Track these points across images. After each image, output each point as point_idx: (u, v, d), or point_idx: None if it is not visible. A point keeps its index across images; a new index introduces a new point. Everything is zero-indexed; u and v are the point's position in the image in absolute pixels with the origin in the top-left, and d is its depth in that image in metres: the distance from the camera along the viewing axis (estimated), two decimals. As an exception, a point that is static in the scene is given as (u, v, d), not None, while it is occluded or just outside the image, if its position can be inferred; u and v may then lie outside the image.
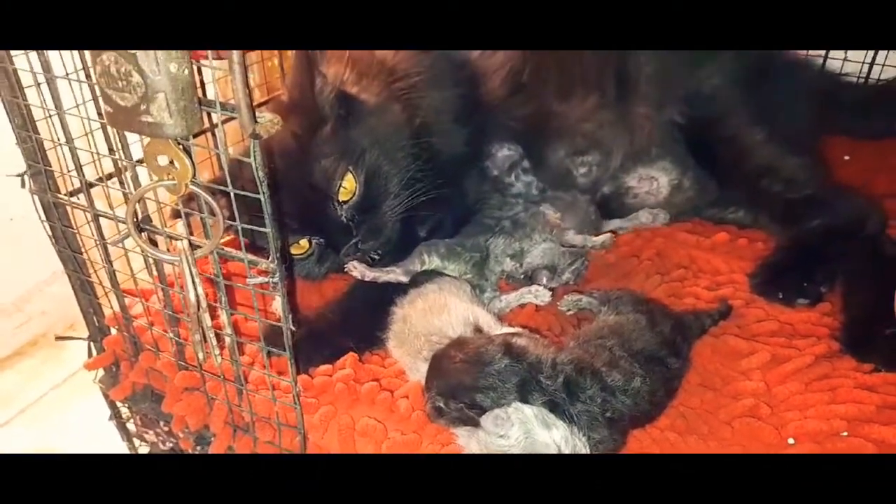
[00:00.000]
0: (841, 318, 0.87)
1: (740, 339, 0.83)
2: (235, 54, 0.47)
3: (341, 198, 0.85)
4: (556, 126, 1.04)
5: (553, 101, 1.04)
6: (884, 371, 0.78)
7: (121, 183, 0.79)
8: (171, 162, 0.55)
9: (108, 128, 0.68)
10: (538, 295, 0.89)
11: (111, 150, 0.73)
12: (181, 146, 0.54)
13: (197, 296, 0.58)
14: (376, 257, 0.89)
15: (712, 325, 0.86)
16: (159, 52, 0.48)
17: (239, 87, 0.49)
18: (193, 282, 0.58)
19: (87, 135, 0.73)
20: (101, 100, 0.53)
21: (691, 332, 0.82)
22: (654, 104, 1.05)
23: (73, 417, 1.15)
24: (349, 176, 0.84)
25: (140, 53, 0.48)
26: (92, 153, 0.70)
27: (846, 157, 1.23)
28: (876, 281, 0.87)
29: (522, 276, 0.93)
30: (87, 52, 0.53)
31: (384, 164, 0.88)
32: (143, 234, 0.64)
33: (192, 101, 0.51)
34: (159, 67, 0.49)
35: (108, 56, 0.50)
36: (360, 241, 0.87)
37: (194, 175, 0.55)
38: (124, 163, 0.67)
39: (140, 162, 0.65)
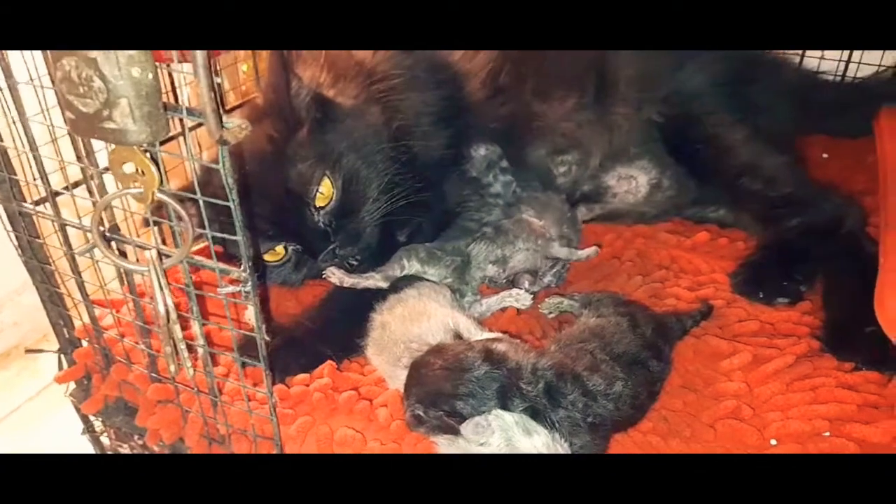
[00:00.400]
0: (821, 316, 0.87)
1: (722, 339, 0.83)
2: (199, 56, 0.46)
3: (318, 203, 0.83)
4: (536, 126, 1.03)
5: (533, 102, 1.03)
6: (864, 369, 0.78)
7: (88, 191, 0.77)
8: (138, 170, 0.53)
9: (75, 135, 0.66)
10: (519, 298, 0.89)
11: (78, 158, 0.71)
12: (147, 153, 0.53)
13: (166, 306, 0.57)
14: (355, 263, 0.87)
15: (694, 325, 0.85)
16: (121, 56, 0.46)
17: (204, 90, 0.47)
18: (162, 292, 0.56)
19: (52, 141, 0.71)
20: (62, 106, 0.51)
21: (673, 333, 0.82)
22: (634, 104, 1.04)
23: (48, 430, 1.12)
24: (326, 181, 0.83)
25: (101, 57, 0.47)
26: (58, 161, 0.68)
27: (825, 156, 1.24)
28: (856, 279, 0.87)
29: (504, 281, 0.92)
30: (48, 57, 0.51)
31: (362, 168, 0.87)
32: (111, 243, 0.62)
33: (156, 106, 0.49)
34: (121, 72, 0.47)
35: (68, 61, 0.48)
36: (337, 247, 0.85)
37: (161, 182, 0.53)
38: (91, 170, 0.65)
39: (107, 169, 0.64)
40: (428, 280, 0.87)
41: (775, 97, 1.13)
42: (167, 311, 0.57)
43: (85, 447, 0.94)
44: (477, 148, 0.97)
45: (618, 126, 1.04)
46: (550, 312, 0.89)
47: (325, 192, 0.83)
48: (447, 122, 0.98)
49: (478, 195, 0.99)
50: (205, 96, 0.48)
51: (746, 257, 0.98)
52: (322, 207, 0.84)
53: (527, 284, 0.90)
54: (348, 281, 0.86)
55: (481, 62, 1.04)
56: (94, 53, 0.47)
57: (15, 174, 0.70)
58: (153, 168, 0.53)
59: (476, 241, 0.92)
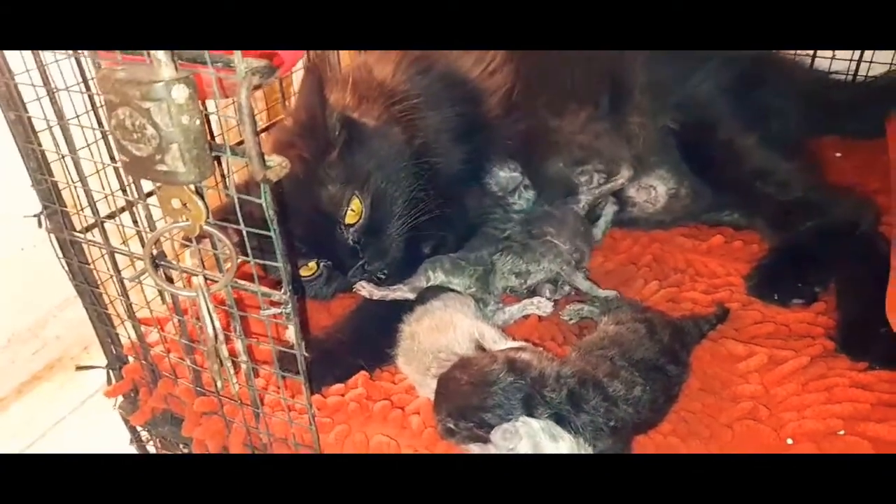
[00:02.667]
0: (835, 317, 0.89)
1: (738, 342, 0.86)
2: (244, 100, 0.50)
3: (348, 221, 0.88)
4: (553, 140, 1.07)
5: (548, 117, 1.07)
6: (878, 369, 0.81)
7: (132, 217, 0.82)
8: (185, 204, 0.58)
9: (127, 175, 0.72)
10: (540, 306, 0.92)
11: (122, 188, 0.76)
12: (194, 190, 0.57)
13: (215, 329, 0.61)
14: (383, 276, 0.92)
15: (710, 329, 0.88)
16: (172, 106, 0.51)
17: (248, 134, 0.51)
18: (211, 317, 0.61)
19: (97, 172, 0.76)
20: (115, 150, 0.55)
21: (690, 338, 0.85)
22: (648, 112, 1.07)
23: (94, 439, 1.18)
24: (355, 200, 0.87)
25: (153, 107, 0.51)
26: (104, 192, 0.73)
27: (837, 155, 1.26)
28: (869, 280, 0.89)
29: (526, 291, 0.95)
30: (99, 104, 0.56)
31: (388, 186, 0.91)
32: (158, 270, 0.66)
33: (203, 148, 0.54)
34: (172, 120, 0.51)
35: (122, 110, 0.53)
36: (366, 263, 0.89)
37: (208, 216, 0.58)
38: (135, 200, 0.70)
39: (150, 195, 0.69)
40: (453, 290, 0.91)
41: (787, 99, 1.15)
42: (215, 333, 0.61)
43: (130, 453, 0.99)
44: (501, 168, 1.01)
45: (635, 135, 1.07)
46: (571, 319, 0.92)
47: (355, 210, 0.88)
48: (465, 138, 1.02)
49: (499, 207, 1.02)
50: (249, 140, 0.52)
51: (761, 260, 1.00)
52: (351, 225, 0.88)
53: (548, 293, 0.93)
54: (377, 294, 0.90)
55: (497, 80, 1.07)
56: (147, 104, 0.51)
57: (65, 205, 0.75)
58: (200, 203, 0.57)
59: (501, 252, 0.95)
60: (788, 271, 0.96)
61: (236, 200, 0.57)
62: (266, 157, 0.54)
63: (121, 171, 0.76)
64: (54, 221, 0.75)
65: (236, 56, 0.50)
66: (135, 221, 0.82)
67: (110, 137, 0.56)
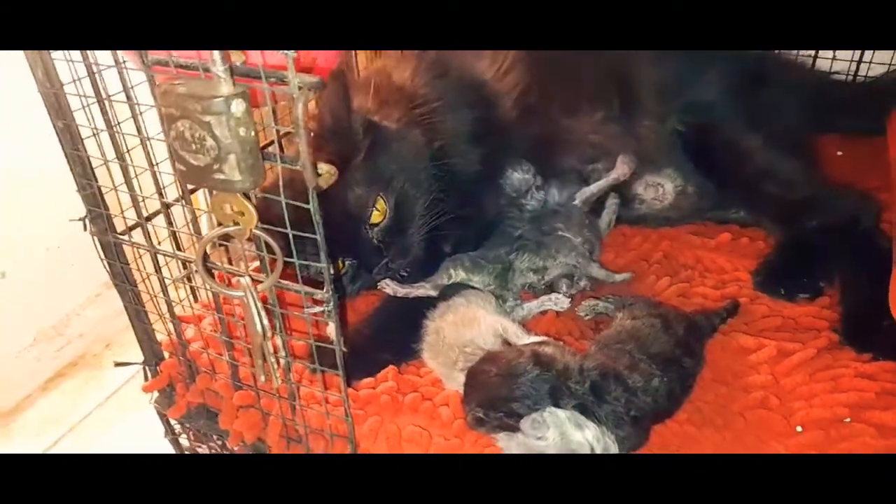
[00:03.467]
0: (839, 311, 0.94)
1: (748, 335, 0.90)
2: (300, 110, 0.54)
3: (373, 221, 0.91)
4: (566, 140, 1.10)
5: (561, 118, 1.10)
6: (881, 360, 0.85)
7: (167, 220, 0.85)
8: (237, 209, 0.61)
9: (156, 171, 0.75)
10: (558, 302, 0.96)
11: (159, 192, 0.80)
12: (245, 196, 0.61)
13: (262, 326, 0.65)
14: (406, 274, 0.95)
15: (721, 323, 0.92)
16: (231, 119, 0.54)
17: (304, 147, 0.55)
18: (259, 314, 0.64)
19: (136, 177, 0.79)
20: (174, 160, 0.59)
21: (703, 331, 0.89)
22: (657, 115, 1.11)
23: (120, 433, 1.21)
24: (380, 201, 0.91)
25: (213, 120, 0.54)
26: (142, 195, 0.77)
27: (839, 153, 1.30)
28: (871, 274, 0.94)
29: (543, 287, 0.99)
30: (139, 111, 0.58)
31: (410, 188, 0.94)
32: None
33: (257, 158, 0.57)
34: (231, 132, 0.55)
35: (182, 122, 0.56)
36: (390, 261, 0.93)
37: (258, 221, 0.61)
38: (182, 203, 0.73)
39: (186, 197, 0.73)
40: (473, 287, 0.95)
41: (789, 99, 1.19)
42: (263, 331, 0.65)
43: (155, 449, 1.03)
44: (513, 171, 1.05)
45: (644, 136, 1.11)
46: (587, 315, 0.96)
47: (380, 211, 0.91)
48: (482, 139, 1.06)
49: (515, 207, 1.06)
50: (303, 151, 0.55)
51: (767, 256, 1.04)
52: (376, 225, 0.92)
53: (564, 288, 0.97)
54: (401, 291, 0.94)
55: (511, 82, 1.11)
56: (207, 117, 0.55)
57: (108, 209, 0.79)
58: (252, 209, 0.61)
59: (518, 251, 0.99)
60: (794, 267, 1.00)
61: (284, 205, 0.61)
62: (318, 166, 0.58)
63: (158, 176, 0.80)
64: (98, 225, 0.78)
65: (290, 72, 0.54)
66: (170, 223, 0.85)
67: (167, 147, 0.59)
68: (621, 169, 1.07)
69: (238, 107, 0.54)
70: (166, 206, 0.85)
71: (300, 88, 0.54)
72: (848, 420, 0.78)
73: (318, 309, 0.67)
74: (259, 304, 0.65)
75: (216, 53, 0.54)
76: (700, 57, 1.13)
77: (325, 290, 0.66)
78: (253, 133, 0.56)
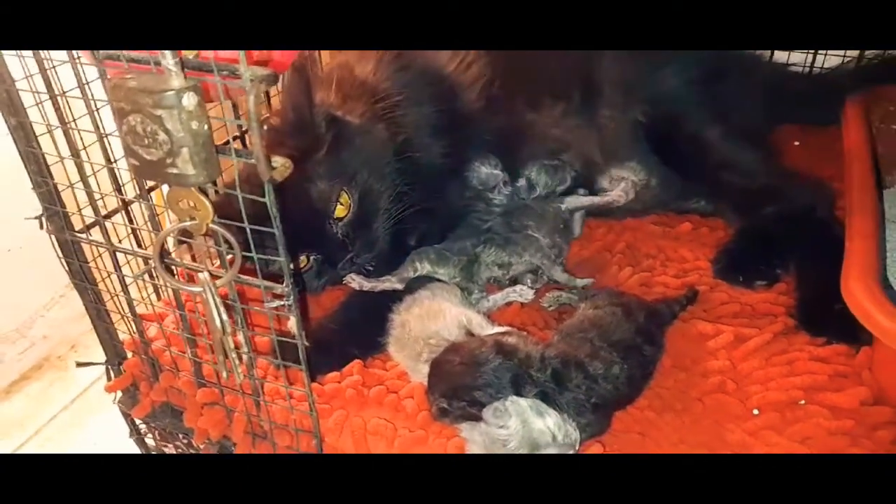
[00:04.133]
0: (795, 296, 0.96)
1: (706, 322, 0.92)
2: (252, 104, 0.54)
3: (337, 215, 0.91)
4: (529, 133, 1.11)
5: (524, 111, 1.11)
6: (834, 343, 0.87)
7: (126, 217, 0.85)
8: (193, 205, 0.61)
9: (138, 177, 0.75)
10: (522, 294, 0.97)
11: (118, 189, 0.79)
12: (201, 191, 0.60)
13: (222, 321, 0.65)
14: (371, 268, 0.96)
15: (682, 310, 0.94)
16: (182, 113, 0.54)
17: (256, 140, 0.55)
18: (218, 310, 0.64)
19: (94, 174, 0.79)
20: (125, 154, 0.58)
21: (663, 319, 0.90)
22: (619, 106, 1.13)
23: (86, 435, 1.20)
24: (344, 196, 0.91)
25: (164, 114, 0.54)
26: (101, 192, 0.76)
27: (796, 143, 1.33)
28: (825, 260, 0.95)
29: (507, 281, 1.00)
30: (94, 108, 0.58)
31: (374, 182, 0.95)
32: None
33: (211, 152, 0.57)
34: (183, 125, 0.55)
35: (133, 117, 0.56)
36: (355, 256, 0.93)
37: (214, 215, 0.61)
38: (138, 200, 0.73)
39: (143, 194, 0.72)
40: (439, 280, 0.96)
41: (748, 92, 1.21)
42: (223, 326, 0.65)
43: (121, 450, 1.02)
44: (481, 164, 1.05)
45: (605, 128, 1.12)
46: (551, 306, 0.98)
47: (343, 205, 0.91)
48: (445, 132, 1.06)
49: (481, 200, 1.07)
50: (257, 143, 0.55)
51: (726, 244, 1.06)
52: (340, 219, 0.92)
53: (529, 283, 0.98)
54: (367, 285, 0.94)
55: (473, 74, 1.11)
56: (159, 111, 0.54)
57: (65, 207, 0.78)
58: (207, 203, 0.60)
59: (485, 244, 0.99)
60: (752, 255, 1.02)
61: (241, 199, 0.61)
62: (273, 159, 0.58)
63: (117, 172, 0.79)
64: (55, 223, 0.77)
65: (242, 65, 0.54)
66: (130, 220, 0.84)
67: (121, 142, 0.58)
68: (618, 194, 1.08)
69: (190, 100, 0.54)
70: (125, 204, 0.84)
71: (252, 81, 0.54)
72: (803, 402, 0.80)
73: (278, 303, 0.67)
74: (218, 300, 0.65)
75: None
76: (661, 51, 1.15)
77: (284, 283, 0.66)
78: (206, 127, 0.56)
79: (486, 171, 1.07)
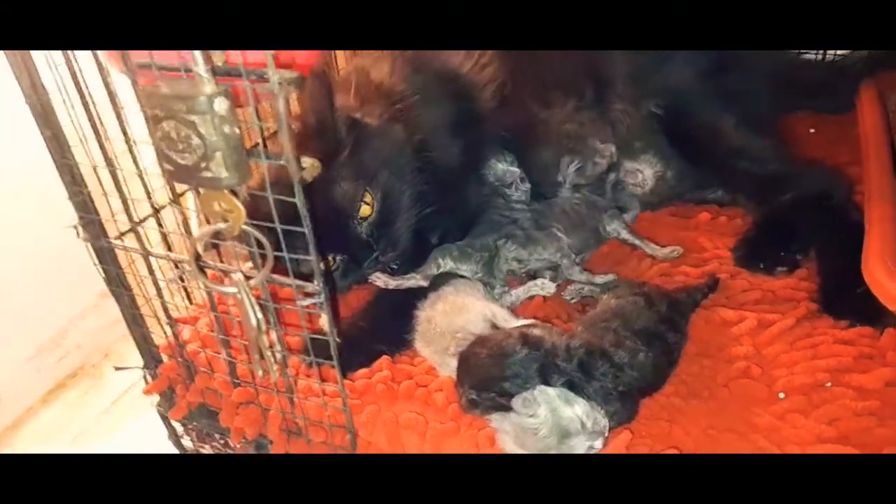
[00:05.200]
0: (817, 281, 0.96)
1: (729, 309, 0.93)
2: (281, 106, 0.56)
3: (361, 215, 0.94)
4: (543, 130, 1.13)
5: (538, 108, 1.13)
6: (858, 325, 0.88)
7: (157, 222, 0.87)
8: (225, 207, 0.63)
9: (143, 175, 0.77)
10: (544, 287, 0.98)
11: (149, 195, 0.82)
12: (233, 193, 0.62)
13: (258, 321, 0.67)
14: (395, 267, 0.98)
15: (703, 298, 0.95)
16: (215, 118, 0.56)
17: (286, 141, 0.57)
18: (253, 310, 0.66)
19: (124, 182, 0.81)
20: (161, 159, 0.61)
21: (685, 307, 0.91)
22: (631, 100, 1.14)
23: (123, 440, 1.23)
24: (367, 196, 0.93)
25: (198, 119, 0.56)
26: (132, 199, 0.78)
27: (811, 131, 1.33)
28: (845, 245, 0.96)
29: (524, 276, 1.02)
30: (148, 119, 0.60)
31: (395, 182, 0.97)
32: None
33: (242, 154, 0.59)
34: (216, 130, 0.57)
35: (167, 123, 0.58)
36: (380, 254, 0.95)
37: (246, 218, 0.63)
38: (171, 205, 0.75)
39: (176, 198, 0.75)
40: (461, 276, 0.97)
41: (760, 81, 1.22)
42: (258, 325, 0.67)
43: (164, 449, 1.04)
44: (497, 161, 1.07)
45: (619, 121, 1.14)
46: (573, 298, 0.99)
47: (368, 204, 0.94)
48: (461, 131, 1.08)
49: (499, 196, 1.09)
50: (287, 145, 0.58)
51: (745, 232, 1.07)
52: (365, 219, 0.94)
53: (548, 277, 1.00)
54: (392, 283, 0.96)
55: (488, 74, 1.13)
56: (192, 117, 0.56)
57: (99, 215, 0.81)
58: (240, 205, 0.63)
59: (505, 239, 1.01)
60: (771, 242, 1.03)
61: (272, 201, 0.63)
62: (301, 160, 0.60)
63: (146, 179, 0.82)
64: (91, 230, 0.80)
65: (270, 69, 0.56)
66: (160, 225, 0.87)
67: (155, 148, 0.60)
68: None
69: (221, 105, 0.56)
70: (156, 210, 0.87)
71: (280, 84, 0.56)
72: (829, 385, 0.81)
73: (310, 301, 0.69)
74: (253, 300, 0.67)
75: (197, 54, 0.56)
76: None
77: (315, 282, 0.68)
78: (237, 130, 0.58)
79: (502, 167, 1.09)
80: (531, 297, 1.00)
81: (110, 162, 0.75)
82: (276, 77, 0.56)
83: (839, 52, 1.39)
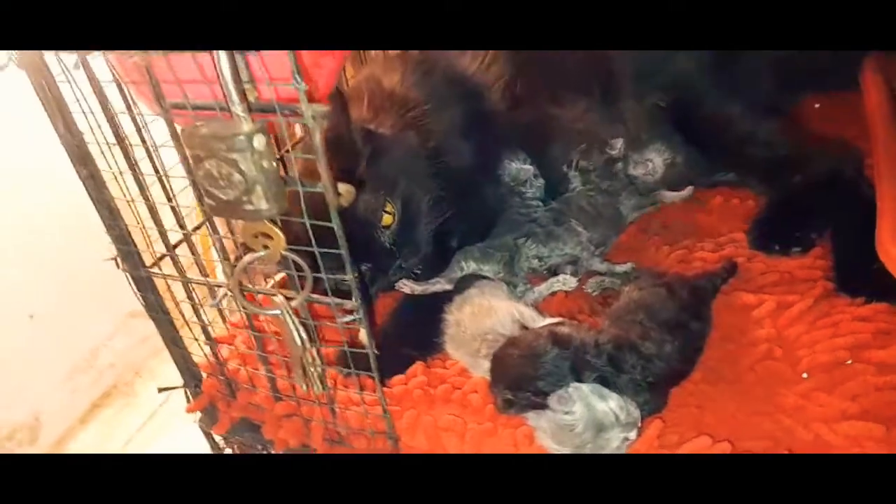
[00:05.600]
0: (832, 260, 0.99)
1: (748, 293, 0.95)
2: (318, 145, 0.58)
3: (384, 224, 0.96)
4: (553, 129, 1.15)
5: (549, 108, 1.15)
6: (875, 302, 0.89)
7: (191, 247, 0.90)
8: (266, 235, 0.66)
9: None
10: (566, 282, 1.01)
11: (180, 225, 0.84)
12: (272, 221, 0.65)
13: (302, 340, 0.70)
14: (418, 272, 1.00)
15: (723, 283, 0.97)
16: (254, 154, 0.59)
17: (324, 172, 0.60)
18: (297, 330, 0.69)
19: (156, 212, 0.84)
20: (203, 195, 0.63)
21: (707, 294, 0.94)
22: (637, 95, 1.16)
23: (165, 451, 1.27)
24: (388, 206, 0.95)
25: (239, 157, 0.59)
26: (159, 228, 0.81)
27: (816, 106, 1.34)
28: (858, 221, 0.98)
29: (546, 272, 1.04)
30: (190, 157, 0.62)
31: (413, 189, 0.99)
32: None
33: (280, 185, 0.62)
34: (255, 165, 0.59)
35: (209, 161, 0.60)
36: (403, 261, 0.98)
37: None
38: (208, 233, 0.78)
39: (196, 229, 0.78)
40: (485, 277, 1.00)
41: (763, 65, 1.23)
42: (303, 343, 0.70)
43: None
44: (510, 161, 1.09)
45: (628, 118, 1.16)
46: (594, 291, 1.01)
47: (390, 213, 0.96)
48: (473, 133, 1.10)
49: (515, 195, 1.11)
50: (324, 174, 0.60)
51: (758, 214, 1.09)
52: (387, 227, 0.97)
53: (568, 272, 1.03)
54: (418, 289, 0.99)
55: (494, 74, 1.15)
56: (233, 154, 0.59)
57: (136, 246, 0.83)
58: (279, 233, 0.65)
59: (526, 237, 1.03)
60: (785, 223, 1.05)
61: (308, 227, 0.65)
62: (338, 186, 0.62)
63: (177, 209, 0.84)
64: (130, 261, 0.83)
65: (303, 104, 0.58)
66: (193, 252, 0.89)
67: (197, 185, 0.63)
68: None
69: (259, 141, 0.59)
70: (187, 236, 0.90)
71: (315, 119, 0.59)
72: (850, 362, 0.83)
73: (350, 318, 0.72)
74: (295, 320, 0.70)
75: (233, 93, 0.58)
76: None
77: (353, 299, 0.71)
78: (274, 164, 0.60)
79: (516, 166, 1.12)
80: (553, 293, 1.02)
81: (145, 196, 0.77)
82: (309, 112, 0.59)
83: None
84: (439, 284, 0.99)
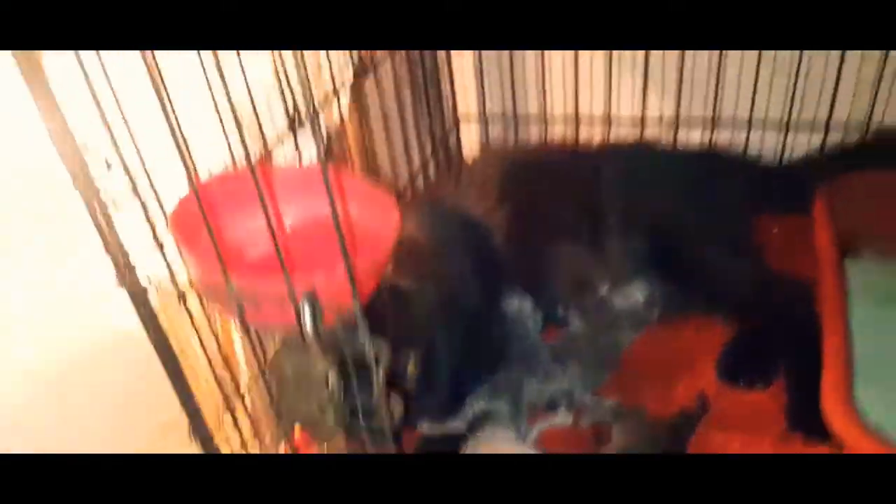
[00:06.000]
0: (785, 400, 1.12)
1: (718, 430, 1.11)
2: (381, 383, 0.73)
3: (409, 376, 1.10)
4: (547, 269, 1.31)
5: (542, 249, 1.31)
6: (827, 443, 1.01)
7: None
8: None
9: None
10: (561, 418, 1.16)
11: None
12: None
13: None
14: (434, 414, 1.15)
15: (696, 421, 1.13)
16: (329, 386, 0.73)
17: (378, 388, 0.74)
18: None
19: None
20: (279, 408, 0.77)
21: (685, 432, 1.10)
22: (622, 237, 1.33)
23: None
24: (411, 363, 1.09)
25: (315, 386, 0.73)
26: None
27: (775, 231, 1.51)
28: (809, 363, 1.09)
29: (543, 406, 1.20)
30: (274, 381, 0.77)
31: (431, 337, 1.13)
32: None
33: (345, 410, 0.76)
34: (328, 395, 0.73)
35: (286, 385, 0.75)
36: (422, 406, 1.12)
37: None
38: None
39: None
40: (492, 415, 1.15)
41: (731, 193, 1.41)
42: None
43: None
44: (513, 300, 1.25)
45: (614, 259, 1.32)
46: (586, 424, 1.17)
47: (412, 365, 1.10)
48: (482, 274, 1.25)
49: (518, 329, 1.26)
50: (377, 387, 0.74)
51: (725, 347, 1.24)
52: (410, 377, 1.10)
53: (564, 405, 1.18)
54: (437, 430, 1.13)
55: (497, 219, 1.31)
56: (309, 385, 0.73)
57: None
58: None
59: (528, 374, 1.18)
60: (747, 358, 1.21)
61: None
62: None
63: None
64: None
65: (367, 343, 0.73)
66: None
67: (274, 401, 0.77)
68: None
69: (332, 377, 0.73)
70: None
71: (377, 355, 0.73)
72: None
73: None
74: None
75: (307, 320, 0.72)
76: (658, 180, 1.36)
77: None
78: (343, 394, 0.75)
79: (517, 303, 1.27)
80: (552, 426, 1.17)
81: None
82: (372, 349, 0.73)
83: (794, 155, 1.59)
84: (454, 425, 1.14)
